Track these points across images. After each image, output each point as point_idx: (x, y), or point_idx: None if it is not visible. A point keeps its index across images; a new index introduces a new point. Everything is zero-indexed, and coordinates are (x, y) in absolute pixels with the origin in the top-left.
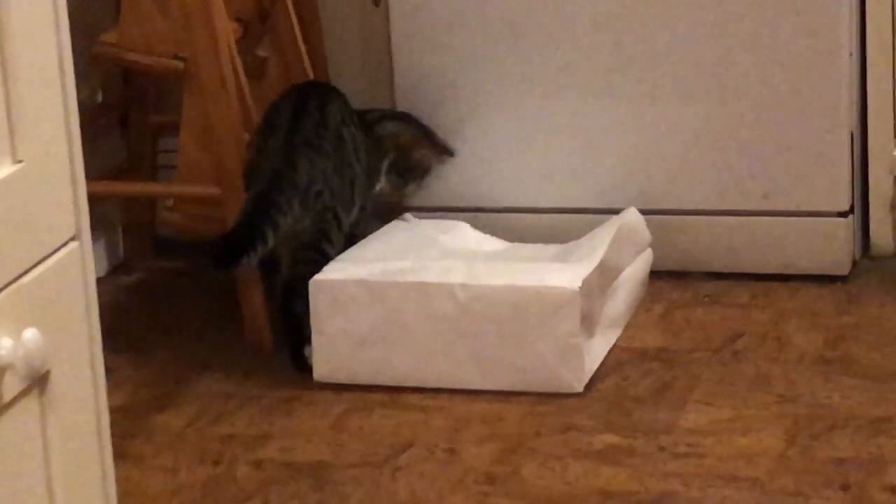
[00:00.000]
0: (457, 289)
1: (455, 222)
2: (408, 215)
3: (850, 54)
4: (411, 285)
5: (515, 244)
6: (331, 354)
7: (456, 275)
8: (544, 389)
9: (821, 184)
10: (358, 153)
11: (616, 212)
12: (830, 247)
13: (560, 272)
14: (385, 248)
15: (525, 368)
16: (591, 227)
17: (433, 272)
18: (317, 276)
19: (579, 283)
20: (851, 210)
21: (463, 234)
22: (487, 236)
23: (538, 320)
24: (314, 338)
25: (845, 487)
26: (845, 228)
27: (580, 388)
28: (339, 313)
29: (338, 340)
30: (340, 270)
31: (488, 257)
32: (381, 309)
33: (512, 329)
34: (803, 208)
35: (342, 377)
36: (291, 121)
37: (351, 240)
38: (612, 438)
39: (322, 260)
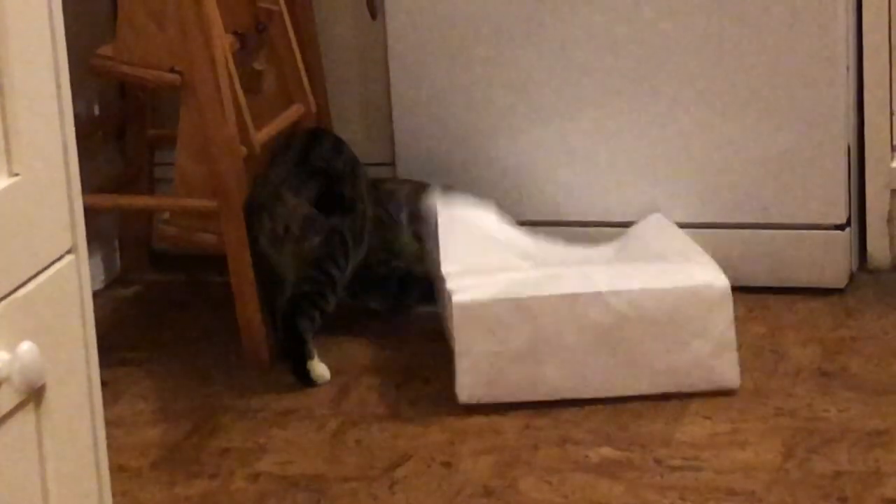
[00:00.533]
0: (609, 296)
1: (483, 205)
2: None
3: (847, 68)
4: (562, 297)
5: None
6: (477, 376)
7: (600, 282)
8: (701, 388)
9: (818, 197)
10: (369, 194)
11: (612, 225)
12: (827, 260)
13: (701, 270)
14: (468, 250)
15: (680, 369)
16: (585, 240)
17: (573, 281)
18: (460, 298)
19: (726, 280)
20: (848, 223)
21: (504, 225)
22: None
23: (694, 320)
24: (459, 360)
25: (843, 500)
26: (842, 241)
27: (737, 384)
28: (485, 333)
29: (485, 361)
30: (476, 288)
31: (594, 257)
32: (531, 325)
33: (667, 331)
34: (800, 221)
35: (489, 398)
36: (305, 147)
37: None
38: (609, 452)
39: (326, 281)
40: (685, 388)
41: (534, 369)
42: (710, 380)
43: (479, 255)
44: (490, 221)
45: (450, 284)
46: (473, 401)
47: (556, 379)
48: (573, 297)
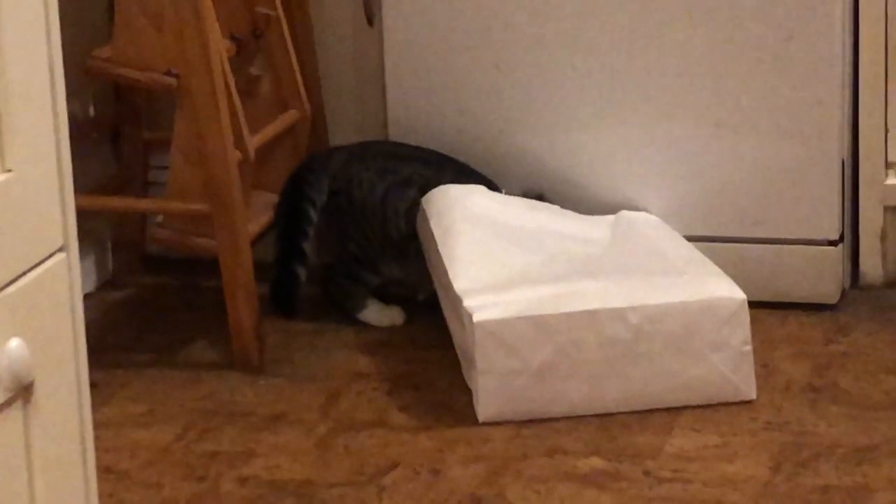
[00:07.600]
0: (628, 312)
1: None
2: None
3: (843, 84)
4: (581, 314)
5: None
6: (498, 394)
7: (619, 297)
8: (717, 400)
9: (811, 212)
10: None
11: None
12: (820, 275)
13: (717, 283)
14: (472, 258)
15: (699, 382)
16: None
17: (592, 297)
18: (480, 317)
19: (742, 292)
20: (841, 239)
21: (496, 204)
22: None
23: (711, 332)
24: (480, 379)
25: None
26: (835, 257)
27: (754, 396)
28: (506, 352)
29: (505, 379)
30: (495, 307)
31: (603, 259)
32: (551, 342)
33: (685, 344)
34: (793, 236)
35: (509, 416)
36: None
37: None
38: (597, 462)
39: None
40: (703, 401)
41: (553, 386)
42: (727, 392)
43: (486, 261)
44: (482, 205)
45: (467, 303)
46: (493, 419)
47: (576, 395)
48: (593, 314)
